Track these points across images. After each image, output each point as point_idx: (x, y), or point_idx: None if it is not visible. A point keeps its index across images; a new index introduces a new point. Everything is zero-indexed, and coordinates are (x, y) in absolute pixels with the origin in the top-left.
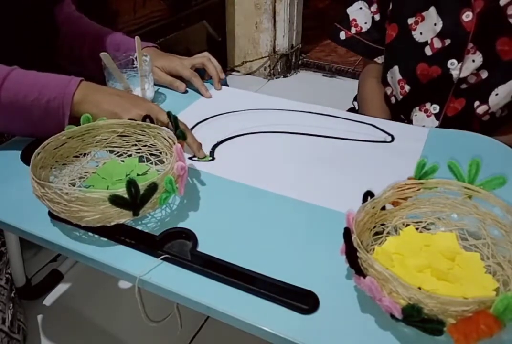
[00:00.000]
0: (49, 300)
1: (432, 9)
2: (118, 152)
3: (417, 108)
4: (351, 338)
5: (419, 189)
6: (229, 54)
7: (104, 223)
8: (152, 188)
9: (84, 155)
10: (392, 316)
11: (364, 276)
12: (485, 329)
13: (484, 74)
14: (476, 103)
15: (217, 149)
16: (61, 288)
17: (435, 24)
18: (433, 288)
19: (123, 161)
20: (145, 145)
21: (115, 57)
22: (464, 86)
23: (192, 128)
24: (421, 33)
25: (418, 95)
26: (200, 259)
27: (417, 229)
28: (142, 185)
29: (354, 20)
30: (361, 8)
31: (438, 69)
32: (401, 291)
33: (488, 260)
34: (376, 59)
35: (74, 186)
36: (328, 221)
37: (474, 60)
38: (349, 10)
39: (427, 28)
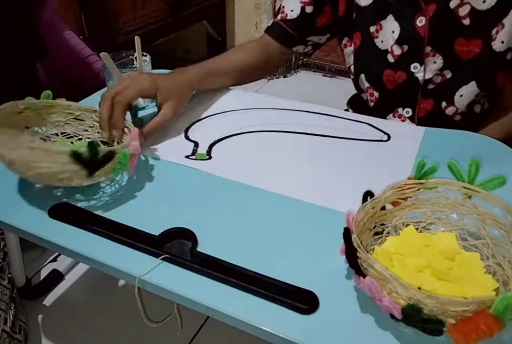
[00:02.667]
0: (49, 300)
1: (390, 17)
2: (69, 134)
3: (391, 114)
4: (351, 338)
5: (419, 189)
6: None
7: (56, 180)
8: (110, 154)
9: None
10: (392, 316)
11: (364, 276)
12: (485, 329)
13: (448, 74)
14: (443, 104)
15: (214, 148)
16: (61, 288)
17: (393, 32)
18: (433, 288)
19: (72, 143)
20: (98, 132)
21: (114, 58)
22: (431, 86)
23: (189, 127)
24: (382, 41)
25: (387, 101)
26: (200, 259)
27: (417, 229)
28: (102, 149)
29: (283, 7)
30: None
31: (403, 74)
32: (401, 291)
33: (488, 260)
34: (294, 48)
35: None
36: (328, 220)
37: (435, 61)
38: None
39: (387, 36)
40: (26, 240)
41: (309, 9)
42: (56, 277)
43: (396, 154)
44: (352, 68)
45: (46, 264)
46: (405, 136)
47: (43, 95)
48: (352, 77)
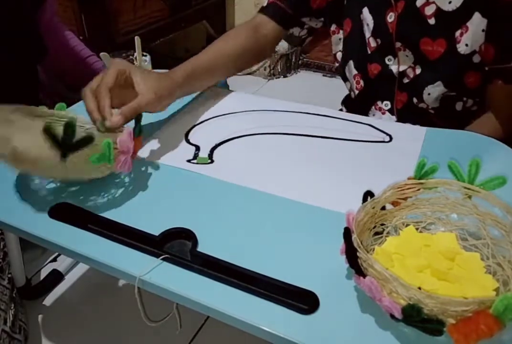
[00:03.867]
0: (49, 300)
1: (365, 10)
2: None
3: (373, 107)
4: (351, 338)
5: (419, 189)
6: None
7: (29, 156)
8: (88, 139)
9: None
10: (392, 316)
11: (364, 276)
12: (485, 329)
13: (418, 70)
14: (415, 99)
15: (215, 152)
16: (61, 288)
17: (367, 25)
18: (433, 288)
19: None
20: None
21: (115, 57)
22: (405, 80)
23: (189, 131)
24: (365, 31)
25: (370, 91)
26: (200, 259)
27: (417, 229)
28: (80, 132)
29: None
30: None
31: (378, 66)
32: (401, 291)
33: (488, 260)
34: (290, 30)
35: None
36: (328, 221)
37: (407, 55)
38: None
39: (365, 28)
40: (26, 240)
41: None
42: (56, 277)
43: (398, 155)
44: (338, 55)
45: (46, 264)
46: (407, 137)
47: (57, 107)
48: (337, 64)
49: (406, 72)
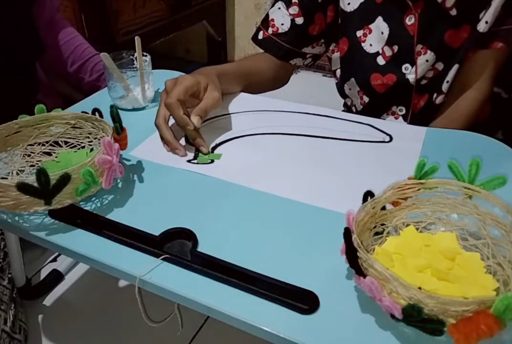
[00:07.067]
0: (49, 300)
1: (379, 19)
2: (72, 143)
3: (384, 114)
4: (351, 338)
5: (419, 189)
6: (229, 54)
7: (20, 210)
8: (65, 178)
9: (39, 144)
10: (392, 316)
11: (364, 276)
12: (485, 329)
13: (441, 66)
14: (435, 95)
15: (215, 152)
16: (61, 288)
17: (382, 33)
18: (433, 288)
19: (75, 152)
20: (96, 138)
21: (114, 58)
22: (424, 82)
23: None
24: (370, 45)
25: (378, 105)
26: (200, 259)
27: (417, 229)
28: (55, 174)
29: (272, 20)
30: (279, 8)
31: (393, 77)
32: (401, 291)
33: (488, 260)
34: (291, 62)
35: (22, 172)
36: (328, 221)
37: (428, 59)
38: (270, 10)
39: (377, 38)
40: (26, 240)
41: (299, 20)
42: (56, 277)
43: (398, 155)
44: (337, 72)
45: (46, 264)
46: (407, 137)
47: (36, 110)
48: (336, 81)
49: (424, 75)
